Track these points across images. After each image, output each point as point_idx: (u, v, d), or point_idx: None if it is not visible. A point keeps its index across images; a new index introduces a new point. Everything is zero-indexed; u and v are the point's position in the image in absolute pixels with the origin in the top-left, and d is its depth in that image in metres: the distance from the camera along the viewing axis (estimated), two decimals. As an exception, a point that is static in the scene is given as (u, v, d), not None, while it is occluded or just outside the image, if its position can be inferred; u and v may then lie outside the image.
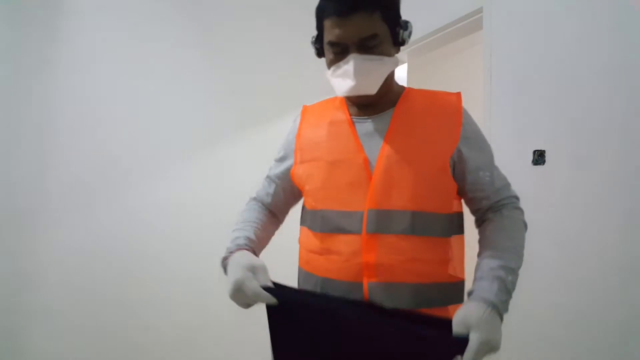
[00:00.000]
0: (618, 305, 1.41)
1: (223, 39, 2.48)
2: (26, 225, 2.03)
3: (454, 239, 0.95)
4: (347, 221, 0.86)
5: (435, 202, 0.89)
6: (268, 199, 1.06)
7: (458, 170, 0.92)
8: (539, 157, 1.68)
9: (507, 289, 0.81)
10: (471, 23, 2.11)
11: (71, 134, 2.12)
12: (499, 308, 0.77)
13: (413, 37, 2.81)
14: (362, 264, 0.84)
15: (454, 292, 0.92)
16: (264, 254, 1.01)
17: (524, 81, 1.77)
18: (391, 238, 0.84)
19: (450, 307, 0.90)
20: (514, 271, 0.86)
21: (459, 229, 0.96)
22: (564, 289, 1.57)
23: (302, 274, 0.98)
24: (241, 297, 0.80)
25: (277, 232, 1.10)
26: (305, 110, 1.05)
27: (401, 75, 2.76)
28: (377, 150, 0.88)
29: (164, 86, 2.32)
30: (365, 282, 0.84)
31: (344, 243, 0.86)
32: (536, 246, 1.70)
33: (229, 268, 0.85)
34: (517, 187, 1.77)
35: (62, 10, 2.13)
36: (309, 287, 0.93)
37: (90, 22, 2.18)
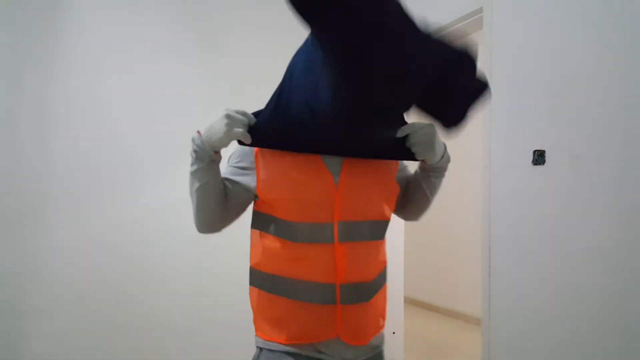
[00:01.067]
0: (618, 304, 1.41)
1: (225, 38, 2.48)
2: (26, 226, 2.03)
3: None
4: (320, 232, 0.96)
5: (385, 211, 1.04)
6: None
7: (399, 178, 1.11)
8: (539, 157, 1.69)
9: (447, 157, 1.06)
10: (471, 23, 2.11)
11: (71, 134, 2.12)
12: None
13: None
14: (336, 269, 0.95)
15: (385, 275, 1.10)
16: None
17: (524, 81, 1.77)
18: (358, 244, 0.98)
19: (383, 289, 1.07)
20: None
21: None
22: (564, 288, 1.58)
23: (263, 276, 1.02)
24: (235, 122, 0.94)
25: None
26: None
27: (401, 75, 2.76)
28: (338, 171, 0.99)
29: (165, 86, 2.31)
30: (338, 284, 0.95)
31: (318, 251, 0.95)
32: (535, 244, 1.71)
33: (212, 125, 0.97)
34: (517, 187, 1.78)
35: (61, 9, 2.12)
36: (275, 289, 1.00)
37: (90, 20, 2.17)
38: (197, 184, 0.96)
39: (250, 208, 1.08)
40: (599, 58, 1.51)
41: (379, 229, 1.03)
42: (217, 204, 1.00)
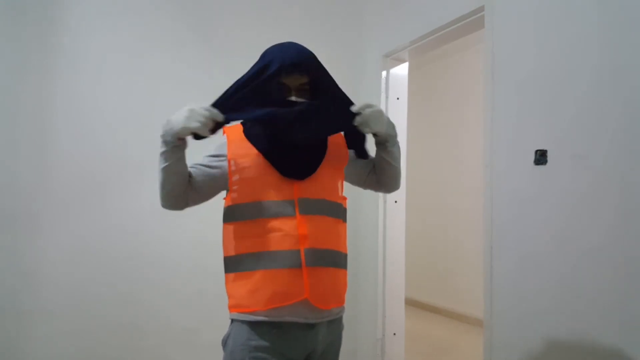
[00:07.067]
0: (617, 305, 1.40)
1: (224, 39, 2.48)
2: (26, 226, 2.02)
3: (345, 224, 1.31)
4: (285, 208, 1.15)
5: (336, 193, 1.25)
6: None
7: (352, 166, 1.33)
8: (541, 157, 1.67)
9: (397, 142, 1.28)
10: (473, 22, 2.10)
11: (72, 134, 2.11)
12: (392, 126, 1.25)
13: (414, 36, 2.79)
14: (298, 236, 1.13)
15: (345, 262, 1.28)
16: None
17: (526, 80, 1.76)
18: (315, 217, 1.17)
19: (343, 272, 1.25)
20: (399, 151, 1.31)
21: (346, 218, 1.31)
22: (566, 289, 1.56)
23: (238, 259, 1.17)
24: (195, 115, 1.06)
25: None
26: (225, 129, 1.27)
27: (402, 74, 2.75)
28: None
29: (166, 86, 2.31)
30: (302, 249, 1.12)
31: (284, 223, 1.14)
32: (537, 245, 1.70)
33: (175, 116, 1.09)
34: (519, 187, 1.77)
35: (62, 9, 2.12)
36: (250, 266, 1.15)
37: (91, 21, 2.17)
38: (162, 164, 1.13)
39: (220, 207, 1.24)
40: (601, 57, 1.50)
41: (334, 208, 1.23)
42: (178, 184, 1.17)
